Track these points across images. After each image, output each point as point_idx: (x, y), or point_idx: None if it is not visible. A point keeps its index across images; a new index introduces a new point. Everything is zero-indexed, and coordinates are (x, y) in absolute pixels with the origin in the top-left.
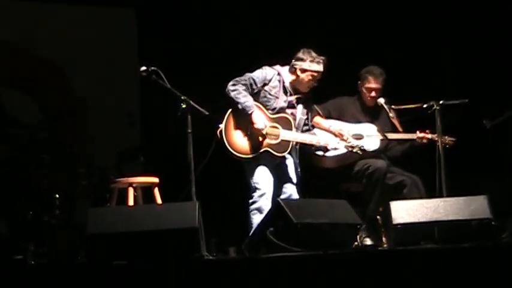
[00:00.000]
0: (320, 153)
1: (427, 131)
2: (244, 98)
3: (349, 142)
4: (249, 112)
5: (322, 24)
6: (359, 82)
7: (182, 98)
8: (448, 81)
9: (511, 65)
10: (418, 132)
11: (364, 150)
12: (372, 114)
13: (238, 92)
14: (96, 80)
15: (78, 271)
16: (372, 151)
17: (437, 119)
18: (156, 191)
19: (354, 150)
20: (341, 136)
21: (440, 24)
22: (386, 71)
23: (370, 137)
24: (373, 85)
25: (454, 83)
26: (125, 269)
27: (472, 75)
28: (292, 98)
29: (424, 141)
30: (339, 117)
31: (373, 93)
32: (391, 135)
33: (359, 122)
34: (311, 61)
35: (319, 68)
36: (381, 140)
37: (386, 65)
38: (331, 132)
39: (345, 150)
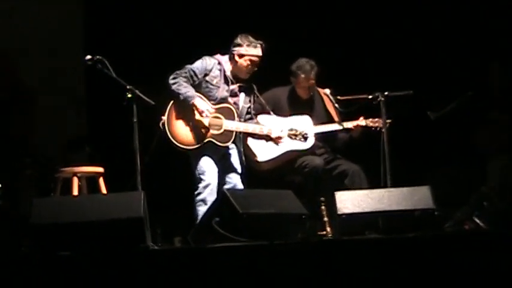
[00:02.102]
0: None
1: (360, 118)
2: (185, 89)
3: (292, 131)
4: (190, 102)
5: (265, 15)
6: (291, 77)
7: (128, 87)
8: (394, 73)
9: (455, 57)
10: (348, 122)
11: (306, 138)
12: (307, 105)
13: (179, 83)
14: (41, 69)
15: (22, 261)
16: (307, 149)
17: (382, 110)
18: (101, 180)
19: (297, 138)
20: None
21: (385, 16)
22: (332, 62)
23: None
24: (305, 83)
25: (399, 75)
26: (69, 259)
27: (416, 67)
28: (234, 87)
29: (359, 128)
30: (274, 110)
31: (307, 91)
32: (324, 127)
33: (294, 114)
34: (248, 45)
35: (257, 52)
36: (315, 134)
37: (332, 56)
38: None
39: (280, 152)
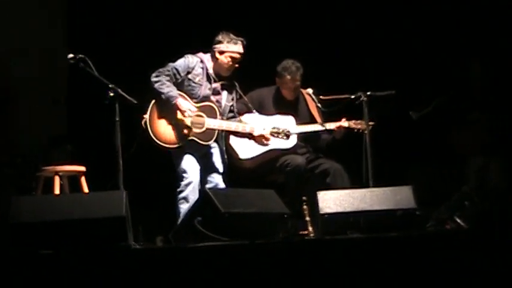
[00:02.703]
0: (245, 141)
1: (343, 119)
2: (168, 88)
3: (274, 129)
4: (173, 102)
5: (249, 15)
6: (276, 78)
7: (110, 86)
8: (376, 73)
9: (437, 57)
10: (331, 123)
11: (289, 136)
12: (292, 106)
13: (162, 83)
14: (22, 68)
15: (1, 260)
16: (290, 148)
17: (364, 110)
18: (83, 179)
19: (280, 137)
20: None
21: (367, 16)
22: (315, 62)
23: None
24: (291, 85)
25: (382, 75)
26: (50, 258)
27: (398, 67)
28: (217, 85)
29: (342, 129)
30: (258, 111)
31: (292, 92)
32: (307, 127)
33: (278, 114)
34: (228, 42)
35: (238, 48)
36: (298, 133)
37: (314, 55)
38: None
39: (262, 150)
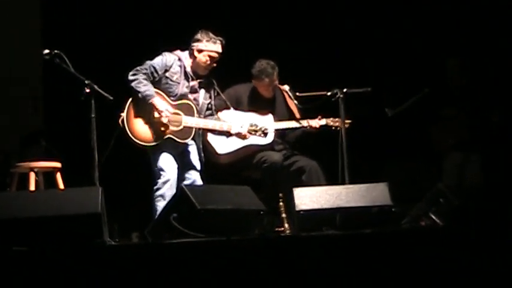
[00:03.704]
0: (222, 138)
1: (319, 117)
2: (145, 87)
3: (252, 126)
4: (149, 101)
5: (225, 12)
6: (253, 80)
7: (86, 82)
8: (352, 70)
9: (412, 53)
10: (308, 120)
11: (266, 134)
12: (269, 103)
13: (139, 81)
14: None
15: None
16: (267, 144)
17: (340, 107)
18: (58, 176)
19: (257, 134)
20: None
21: (342, 12)
22: (291, 58)
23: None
24: (270, 86)
25: (358, 72)
26: (25, 254)
27: (375, 65)
28: (194, 83)
29: (319, 127)
30: (235, 107)
31: (271, 91)
32: (285, 123)
33: (256, 112)
34: (207, 41)
35: (216, 47)
36: (275, 130)
37: (291, 52)
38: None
39: (240, 146)
